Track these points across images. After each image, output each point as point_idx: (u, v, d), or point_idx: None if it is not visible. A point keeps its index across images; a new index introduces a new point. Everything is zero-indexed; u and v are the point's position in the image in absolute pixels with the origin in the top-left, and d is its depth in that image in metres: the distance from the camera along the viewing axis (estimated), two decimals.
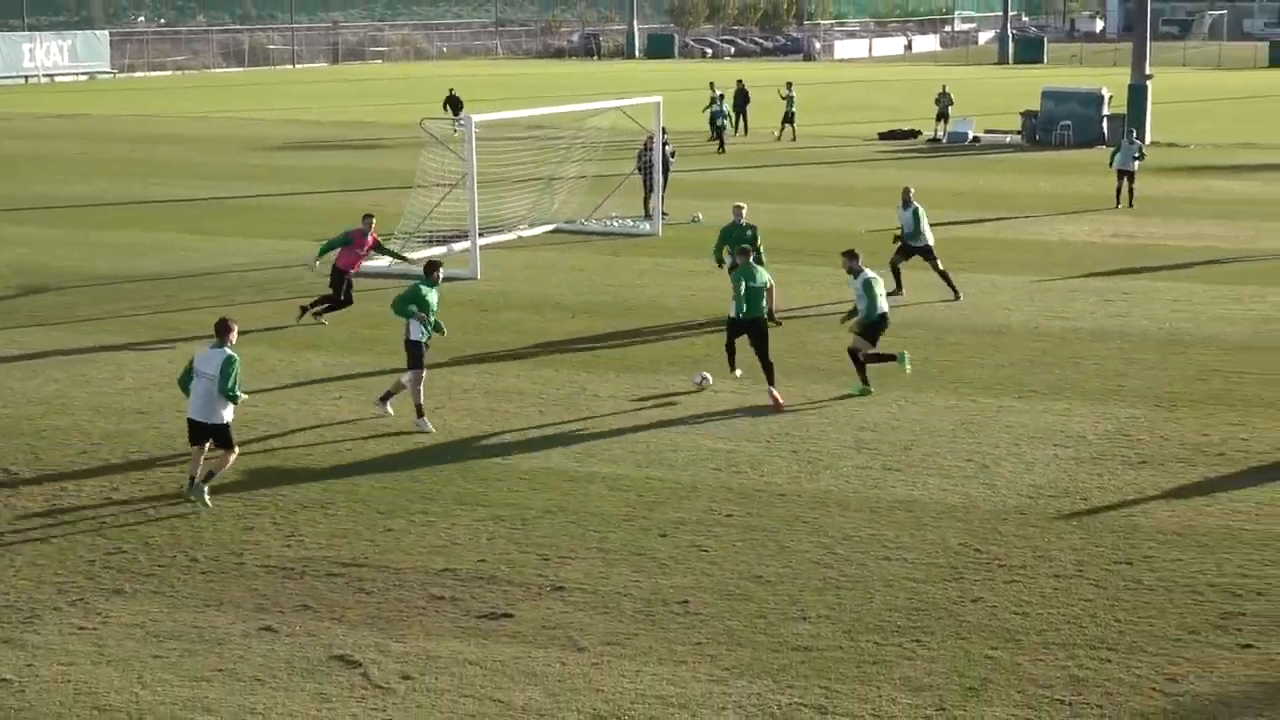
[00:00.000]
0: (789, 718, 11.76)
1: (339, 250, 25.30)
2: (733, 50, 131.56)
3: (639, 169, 36.53)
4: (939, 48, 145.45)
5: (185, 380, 16.45)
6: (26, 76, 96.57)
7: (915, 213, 26.94)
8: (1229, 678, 12.41)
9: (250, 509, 16.49)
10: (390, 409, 19.77)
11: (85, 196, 42.61)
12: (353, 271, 25.28)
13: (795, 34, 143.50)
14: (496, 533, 15.75)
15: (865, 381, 20.97)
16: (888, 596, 14.03)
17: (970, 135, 56.85)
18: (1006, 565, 14.80)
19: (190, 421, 16.41)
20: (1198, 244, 33.74)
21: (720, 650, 12.91)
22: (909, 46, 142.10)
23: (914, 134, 58.16)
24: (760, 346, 20.57)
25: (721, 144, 53.48)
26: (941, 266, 27.29)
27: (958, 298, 27.18)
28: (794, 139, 56.34)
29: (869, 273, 20.93)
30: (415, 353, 19.35)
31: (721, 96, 55.42)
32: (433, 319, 19.38)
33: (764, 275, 20.89)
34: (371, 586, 14.34)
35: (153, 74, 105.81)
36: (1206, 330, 25.07)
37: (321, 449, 18.67)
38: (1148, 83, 54.59)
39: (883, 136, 58.03)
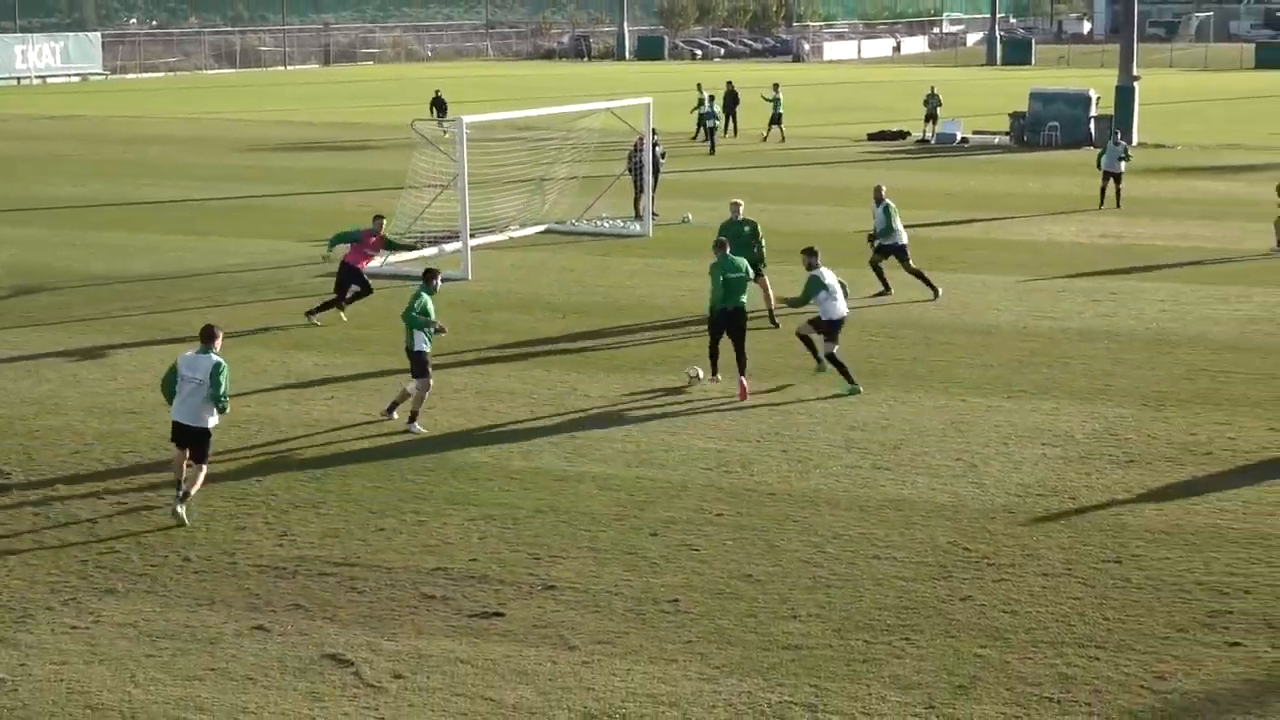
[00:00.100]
0: (779, 716, 11.83)
1: (349, 246, 25.54)
2: (722, 52, 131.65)
3: (629, 170, 36.58)
4: (927, 49, 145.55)
5: (169, 383, 16.16)
6: (19, 78, 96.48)
7: (887, 209, 27.11)
8: (1216, 675, 12.48)
9: (242, 509, 16.53)
10: (396, 415, 19.75)
11: (78, 197, 42.61)
12: (362, 265, 25.57)
13: (784, 35, 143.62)
14: (488, 532, 15.81)
15: (851, 380, 21.05)
16: (877, 595, 14.10)
17: (958, 136, 56.96)
18: (995, 564, 14.88)
19: (175, 424, 16.16)
20: (1185, 244, 33.85)
21: (711, 649, 12.98)
22: (897, 48, 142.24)
23: (903, 135, 58.26)
24: (738, 338, 20.91)
25: (712, 145, 53.58)
26: (914, 266, 27.42)
27: (936, 295, 27.30)
28: (782, 140, 56.43)
29: (818, 271, 21.19)
30: (422, 363, 19.32)
31: (711, 98, 55.49)
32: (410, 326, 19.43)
33: (743, 265, 21.29)
34: (363, 586, 14.39)
35: (145, 76, 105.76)
36: (1193, 330, 25.17)
37: (313, 449, 18.72)
38: (1135, 84, 54.78)
39: (872, 137, 58.12)
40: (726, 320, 21.03)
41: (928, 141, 56.91)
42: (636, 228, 35.45)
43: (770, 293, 24.79)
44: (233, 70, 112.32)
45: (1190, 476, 17.60)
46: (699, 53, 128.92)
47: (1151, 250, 33.08)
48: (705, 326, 22.21)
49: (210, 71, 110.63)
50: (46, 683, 12.42)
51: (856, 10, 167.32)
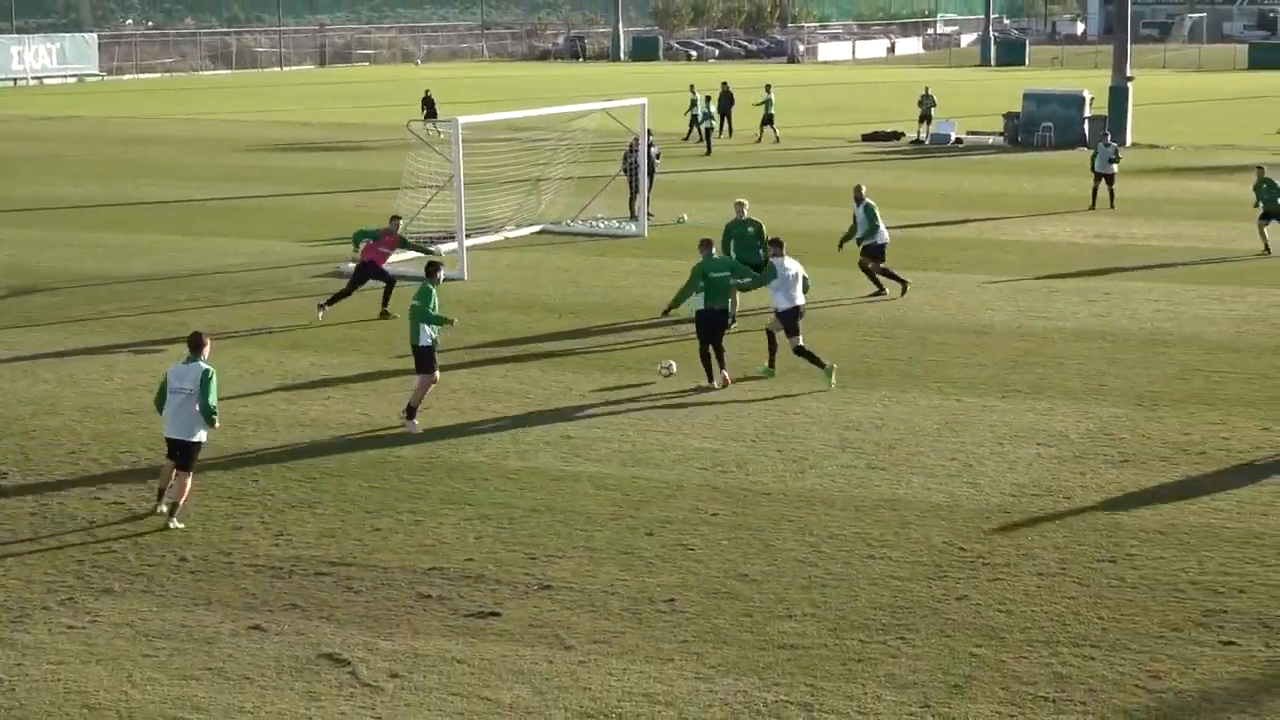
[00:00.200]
0: (775, 715, 11.86)
1: (365, 243, 25.98)
2: (717, 53, 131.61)
3: (625, 170, 36.61)
4: (921, 50, 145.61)
5: (162, 397, 16.01)
6: (15, 79, 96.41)
7: (869, 209, 27.18)
8: (1211, 674, 12.53)
9: (239, 509, 16.56)
10: (417, 426, 19.67)
11: (75, 198, 42.60)
12: (380, 263, 25.99)
13: (779, 36, 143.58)
14: (484, 532, 15.84)
15: (822, 364, 21.45)
16: (873, 595, 14.14)
17: (953, 137, 56.99)
18: (990, 563, 14.92)
19: (169, 441, 16.02)
20: (1179, 244, 33.91)
21: (706, 648, 13.01)
22: (892, 49, 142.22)
23: (897, 135, 58.28)
24: (716, 335, 21.31)
25: (709, 146, 53.60)
26: (884, 266, 27.52)
27: (904, 292, 27.50)
28: (776, 140, 56.50)
29: (779, 260, 21.58)
30: (428, 357, 19.35)
31: (708, 98, 55.54)
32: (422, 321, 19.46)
33: (728, 265, 21.62)
34: (360, 585, 14.42)
35: (141, 76, 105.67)
36: (1188, 330, 25.23)
37: (310, 449, 18.74)
38: (1128, 85, 54.84)
39: (866, 138, 58.14)
40: (714, 321, 21.27)
41: (922, 142, 56.95)
42: (632, 228, 35.47)
43: None
44: (229, 71, 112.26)
45: (1184, 476, 17.65)
46: (694, 54, 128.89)
47: (1145, 250, 33.14)
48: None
49: (206, 72, 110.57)
50: (43, 682, 12.45)
51: (851, 11, 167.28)
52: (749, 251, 24.09)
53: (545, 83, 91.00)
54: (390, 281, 26.17)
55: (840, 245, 27.79)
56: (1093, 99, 56.01)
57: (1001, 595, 14.11)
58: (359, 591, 14.28)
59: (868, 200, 27.33)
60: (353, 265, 26.75)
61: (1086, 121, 54.70)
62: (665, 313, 22.20)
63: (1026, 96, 56.94)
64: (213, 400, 15.75)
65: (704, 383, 21.39)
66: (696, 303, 21.31)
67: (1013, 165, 49.94)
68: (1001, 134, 57.05)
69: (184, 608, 13.92)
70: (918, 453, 18.49)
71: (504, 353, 23.68)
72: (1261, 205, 32.30)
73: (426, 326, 19.24)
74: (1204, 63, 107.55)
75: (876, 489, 17.18)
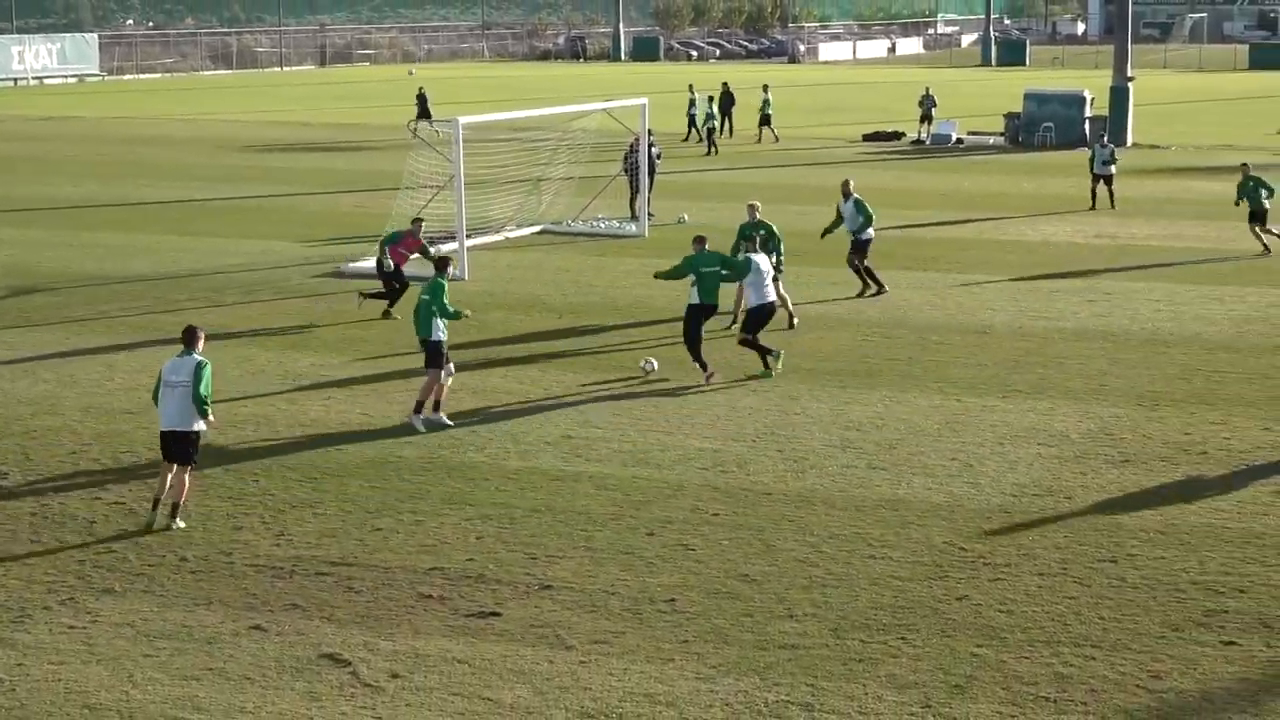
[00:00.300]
0: (776, 715, 11.86)
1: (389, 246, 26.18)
2: (718, 53, 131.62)
3: (625, 170, 36.62)
4: (922, 50, 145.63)
5: (158, 394, 15.94)
6: (15, 79, 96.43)
7: (859, 203, 27.28)
8: (1212, 674, 12.53)
9: (239, 509, 16.56)
10: (448, 420, 19.66)
11: (75, 198, 42.61)
12: (401, 265, 26.00)
13: (780, 36, 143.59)
14: (484, 532, 15.83)
15: (765, 365, 21.82)
16: (873, 595, 14.14)
17: (953, 137, 56.99)
18: (991, 563, 14.91)
19: (164, 435, 15.89)
20: (1179, 244, 33.91)
21: (707, 648, 13.01)
22: (892, 49, 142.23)
23: (898, 136, 58.29)
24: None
25: (711, 146, 53.56)
26: (867, 265, 27.56)
27: (874, 292, 27.51)
28: (775, 140, 56.56)
29: (754, 256, 22.11)
30: (438, 352, 19.33)
31: (711, 99, 55.57)
32: (439, 315, 19.49)
33: (718, 260, 21.94)
34: (360, 585, 14.42)
35: (141, 77, 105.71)
36: (1188, 330, 25.23)
37: (310, 448, 18.74)
38: (1129, 85, 54.84)
39: (867, 138, 58.16)
40: (706, 315, 21.75)
41: (923, 142, 56.95)
42: (632, 228, 35.48)
43: (787, 298, 25.00)
44: (229, 71, 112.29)
45: (1185, 476, 17.65)
46: (694, 54, 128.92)
47: (1146, 250, 33.14)
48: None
49: (207, 73, 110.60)
50: (44, 682, 12.45)
51: (852, 11, 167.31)
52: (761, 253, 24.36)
53: (546, 83, 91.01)
54: (403, 288, 26.04)
55: (823, 235, 27.92)
56: (1093, 99, 56.01)
57: (1002, 595, 14.10)
58: (360, 591, 14.28)
59: (856, 195, 27.43)
60: (376, 263, 26.74)
61: (1087, 122, 54.70)
62: (656, 275, 22.92)
63: (1027, 97, 56.95)
64: (204, 389, 15.61)
65: (701, 381, 21.44)
66: (691, 296, 21.68)
67: (1013, 165, 49.94)
68: (1002, 134, 57.05)
69: (185, 608, 13.92)
70: (918, 453, 18.49)
71: (504, 353, 23.68)
72: (1246, 204, 32.36)
73: (439, 321, 19.24)
74: (1204, 63, 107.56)
75: (877, 489, 17.18)
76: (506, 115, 35.04)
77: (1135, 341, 24.40)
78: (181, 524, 15.88)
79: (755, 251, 22.58)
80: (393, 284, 26.00)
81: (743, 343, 22.02)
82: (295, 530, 15.90)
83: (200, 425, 15.90)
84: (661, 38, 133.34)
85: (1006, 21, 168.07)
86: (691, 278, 21.66)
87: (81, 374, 22.51)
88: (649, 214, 35.45)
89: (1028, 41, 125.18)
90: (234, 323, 25.77)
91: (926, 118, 57.61)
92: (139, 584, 14.48)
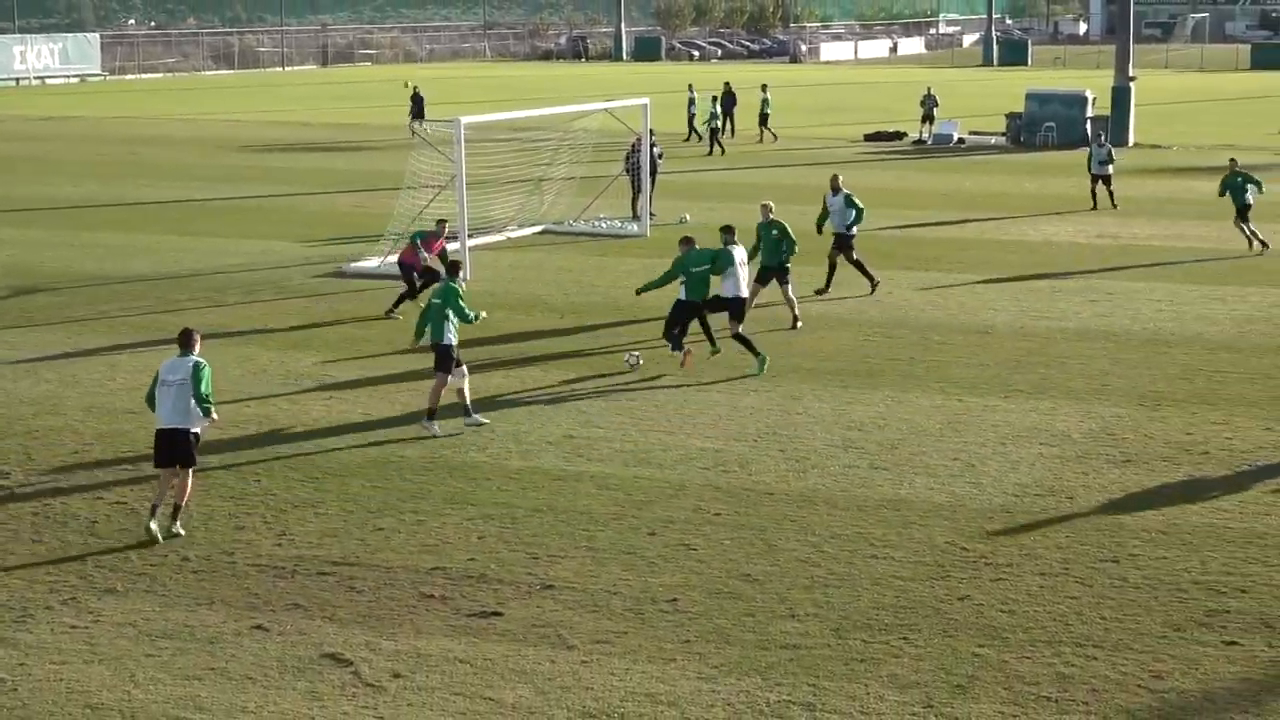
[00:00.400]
0: (777, 715, 11.86)
1: (406, 246, 26.32)
2: (720, 53, 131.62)
3: (627, 170, 36.63)
4: (924, 50, 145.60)
5: (153, 394, 15.74)
6: (17, 79, 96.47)
7: (849, 199, 27.35)
8: (1213, 674, 12.53)
9: (241, 508, 16.56)
10: (481, 418, 19.62)
11: (76, 198, 42.63)
12: (418, 266, 26.05)
13: (781, 36, 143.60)
14: (486, 531, 15.84)
15: (756, 353, 22.18)
16: (875, 595, 14.14)
17: (955, 137, 56.98)
18: (993, 563, 14.91)
19: (160, 435, 15.60)
20: (1180, 244, 33.90)
21: (709, 648, 13.01)
22: (894, 49, 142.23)
23: (899, 136, 58.28)
24: (702, 316, 22.45)
25: (713, 146, 53.52)
26: (843, 258, 27.64)
27: (826, 289, 27.53)
28: (774, 139, 56.65)
29: (732, 248, 22.29)
30: (448, 357, 19.30)
31: (714, 99, 55.59)
32: (457, 319, 19.47)
33: (707, 258, 22.19)
34: (362, 585, 14.42)
35: (143, 76, 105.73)
36: (1190, 330, 25.22)
37: (312, 448, 18.74)
38: (1131, 85, 54.83)
39: (868, 138, 58.16)
40: (691, 312, 22.20)
41: (924, 142, 56.94)
42: (634, 228, 35.49)
43: (794, 299, 25.09)
44: (231, 71, 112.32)
45: (1187, 476, 17.65)
46: (696, 54, 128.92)
47: (1147, 250, 33.14)
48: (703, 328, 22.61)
49: (208, 73, 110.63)
50: (46, 682, 12.45)
51: (853, 11, 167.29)
52: (771, 253, 24.65)
53: (547, 83, 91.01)
54: (413, 292, 26.06)
55: (819, 230, 27.89)
56: (1095, 99, 56.00)
57: (1004, 595, 14.10)
58: (361, 591, 14.28)
59: (846, 191, 27.49)
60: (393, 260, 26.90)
61: (1089, 121, 54.69)
62: (638, 292, 23.51)
63: (1029, 96, 56.95)
64: (205, 389, 15.47)
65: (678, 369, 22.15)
66: (679, 293, 22.15)
67: (1015, 165, 49.93)
68: (1004, 134, 57.04)
69: (187, 607, 13.92)
70: (920, 453, 18.49)
71: (506, 352, 23.68)
72: (1230, 198, 32.38)
73: (450, 325, 19.20)
74: (1206, 63, 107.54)
75: (879, 489, 17.18)
76: (508, 115, 35.03)
77: (1137, 341, 24.40)
78: (181, 531, 15.67)
79: (735, 244, 22.58)
80: (413, 283, 26.04)
81: (735, 336, 22.22)
82: (297, 530, 15.90)
83: (198, 427, 15.76)
84: (663, 38, 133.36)
85: (1008, 21, 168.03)
86: (681, 276, 22.07)
87: (83, 374, 22.52)
88: (650, 214, 35.46)
89: (1029, 41, 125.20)
90: (235, 322, 25.77)
91: (928, 118, 57.61)
92: (141, 584, 14.48)
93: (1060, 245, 33.94)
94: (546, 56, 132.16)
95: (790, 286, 25.10)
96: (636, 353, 22.56)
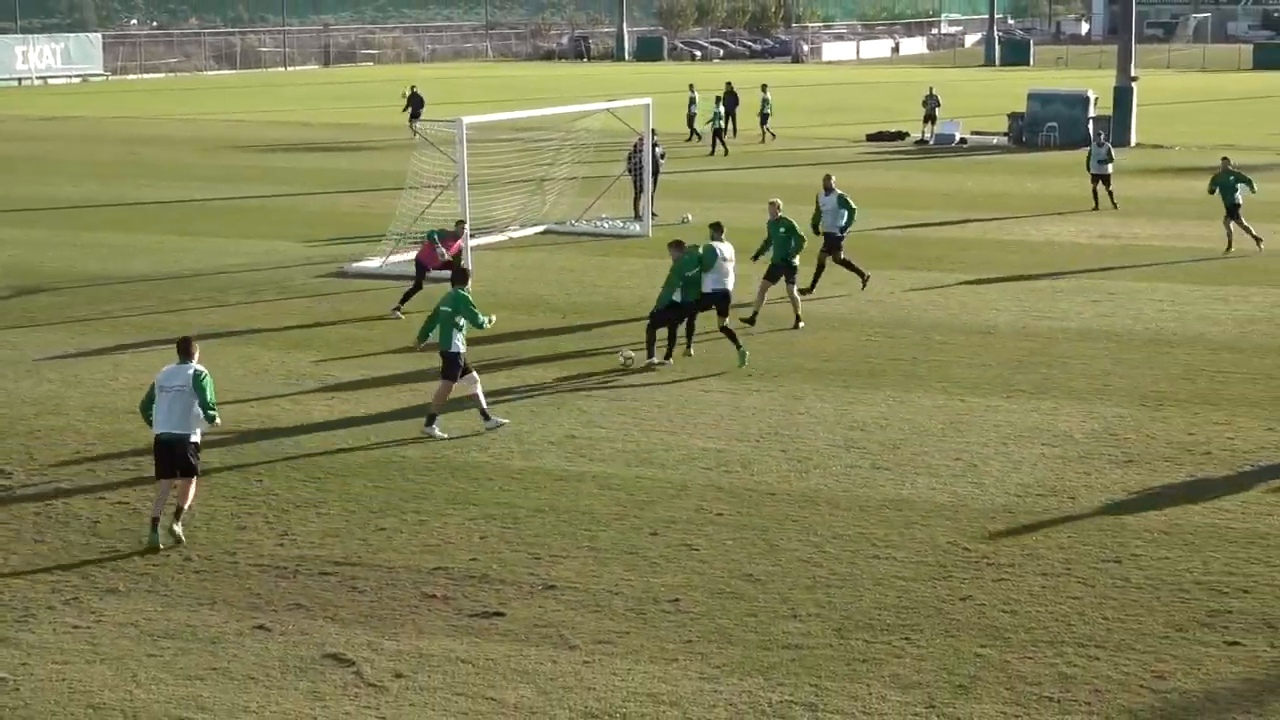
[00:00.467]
0: (780, 715, 11.86)
1: (424, 244, 26.32)
2: (721, 53, 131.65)
3: (629, 170, 36.63)
4: (926, 50, 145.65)
5: (148, 404, 15.49)
6: (20, 79, 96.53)
7: (842, 199, 27.38)
8: (1216, 675, 12.52)
9: (243, 508, 16.56)
10: (501, 419, 19.59)
11: (78, 198, 42.64)
12: (433, 265, 25.96)
13: (783, 36, 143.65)
14: (488, 532, 15.84)
15: (739, 346, 22.45)
16: (877, 595, 14.13)
17: (957, 137, 56.99)
18: (995, 563, 14.91)
19: (159, 442, 15.36)
20: (1182, 244, 33.89)
21: (711, 648, 13.01)
22: (896, 49, 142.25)
23: (901, 135, 58.29)
24: (690, 318, 22.65)
25: (717, 145, 53.47)
26: (831, 259, 27.67)
27: (810, 290, 27.51)
28: (773, 138, 56.76)
29: (719, 244, 22.56)
30: (455, 364, 19.23)
31: (718, 99, 55.59)
32: (469, 324, 19.45)
33: (696, 260, 22.30)
34: (364, 585, 14.42)
35: (145, 76, 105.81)
36: (1192, 330, 25.22)
37: (314, 448, 18.74)
38: (1133, 85, 54.83)
39: (870, 138, 58.17)
40: (682, 314, 22.46)
41: (926, 142, 56.95)
42: (636, 228, 35.50)
43: (798, 298, 25.10)
44: (233, 71, 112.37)
45: (1189, 476, 17.64)
46: (698, 54, 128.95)
47: (1149, 250, 33.13)
48: (704, 331, 22.65)
49: (210, 73, 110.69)
50: (48, 682, 12.45)
51: (855, 11, 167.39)
52: (781, 250, 24.85)
53: (549, 83, 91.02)
54: (418, 288, 26.08)
55: (816, 230, 27.86)
56: (1097, 99, 56.00)
57: (1006, 595, 14.10)
58: (363, 591, 14.28)
59: (839, 191, 27.51)
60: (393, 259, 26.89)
61: (1091, 121, 54.69)
62: (653, 314, 22.96)
63: (1031, 97, 56.96)
64: (210, 398, 15.35)
65: (657, 360, 22.46)
66: (678, 295, 22.35)
67: (1017, 165, 49.92)
68: (1006, 134, 57.06)
69: (189, 607, 13.92)
70: (922, 453, 18.49)
71: (508, 353, 23.68)
72: (1220, 196, 32.37)
73: (458, 333, 19.17)
74: (1208, 63, 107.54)
75: (881, 489, 17.17)
76: (510, 115, 35.04)
77: (1139, 341, 24.39)
78: (182, 535, 15.49)
79: (722, 240, 22.68)
80: (420, 282, 26.03)
81: (722, 329, 22.54)
82: (299, 530, 15.90)
83: (197, 435, 15.51)
84: (665, 38, 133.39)
85: (1010, 21, 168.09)
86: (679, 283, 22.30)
87: (86, 374, 22.52)
88: (652, 214, 35.46)
89: (1031, 41, 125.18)
90: (237, 322, 25.78)
91: (930, 118, 57.62)
92: (143, 584, 14.48)
93: (1062, 245, 33.93)
94: (548, 56, 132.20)
95: (795, 286, 25.15)
96: (630, 351, 22.60)
